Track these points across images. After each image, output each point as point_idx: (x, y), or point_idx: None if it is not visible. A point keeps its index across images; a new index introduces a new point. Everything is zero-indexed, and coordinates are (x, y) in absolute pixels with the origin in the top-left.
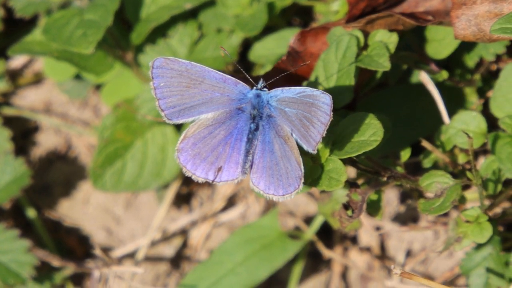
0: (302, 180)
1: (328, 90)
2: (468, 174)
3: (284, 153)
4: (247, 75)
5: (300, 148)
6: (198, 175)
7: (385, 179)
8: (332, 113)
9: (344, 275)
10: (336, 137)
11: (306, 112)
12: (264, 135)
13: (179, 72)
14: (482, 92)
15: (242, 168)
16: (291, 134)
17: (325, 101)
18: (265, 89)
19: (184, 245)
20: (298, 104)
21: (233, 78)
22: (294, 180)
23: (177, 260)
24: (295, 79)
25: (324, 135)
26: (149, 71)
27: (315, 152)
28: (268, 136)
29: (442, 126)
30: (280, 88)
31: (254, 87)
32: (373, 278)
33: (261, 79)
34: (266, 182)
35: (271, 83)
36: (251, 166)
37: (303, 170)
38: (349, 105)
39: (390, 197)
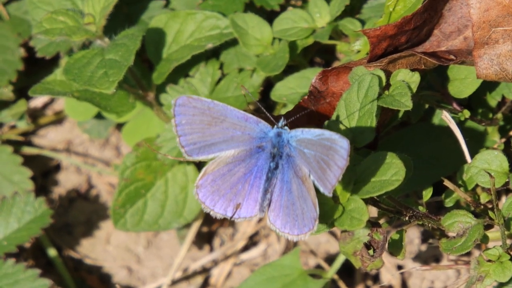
0: (317, 222)
1: (350, 130)
2: (490, 213)
3: (301, 193)
4: (268, 114)
5: (317, 189)
6: (217, 211)
7: (407, 218)
8: (348, 158)
9: None
10: (357, 177)
11: (323, 154)
12: (283, 174)
13: (201, 110)
14: (504, 131)
15: (260, 206)
16: (309, 175)
17: (343, 145)
18: (286, 128)
19: (205, 283)
20: (317, 146)
21: (255, 117)
22: (309, 221)
23: None
24: (317, 119)
25: (340, 179)
26: (171, 109)
27: (330, 195)
28: (286, 176)
29: (464, 165)
30: (300, 129)
31: (275, 126)
32: None
33: (282, 117)
34: (283, 221)
35: (292, 122)
36: (269, 204)
37: (318, 212)
38: (371, 144)
39: (412, 236)
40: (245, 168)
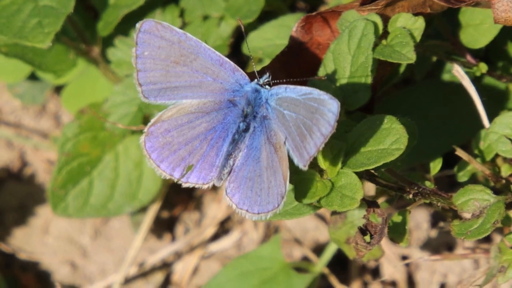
0: (284, 200)
1: (340, 88)
2: None
3: (271, 163)
4: (254, 66)
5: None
6: (163, 169)
7: (411, 196)
8: (336, 124)
9: None
10: (349, 146)
11: (306, 118)
12: (253, 138)
13: (169, 42)
14: None
15: (219, 173)
16: (284, 143)
17: (332, 108)
18: (267, 86)
19: (167, 281)
20: (300, 108)
21: (232, 63)
22: (274, 198)
23: None
24: (299, 76)
25: (320, 149)
26: (134, 34)
27: (305, 168)
28: (257, 141)
29: (480, 131)
30: (284, 86)
31: (255, 80)
32: None
33: (267, 73)
34: (242, 195)
35: (269, 81)
36: (229, 173)
37: (287, 188)
38: (366, 106)
39: (419, 219)
40: (208, 123)
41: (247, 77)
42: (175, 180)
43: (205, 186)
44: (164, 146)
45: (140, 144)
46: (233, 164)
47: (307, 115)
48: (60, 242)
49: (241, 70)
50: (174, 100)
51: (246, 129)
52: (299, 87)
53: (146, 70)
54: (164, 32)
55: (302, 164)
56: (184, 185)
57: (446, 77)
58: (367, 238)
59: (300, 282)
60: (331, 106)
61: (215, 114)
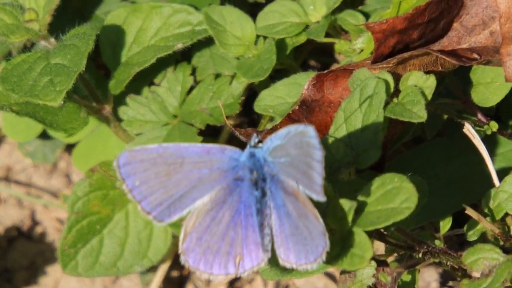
0: (327, 236)
1: (350, 147)
2: None
3: (300, 211)
4: (238, 133)
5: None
6: (217, 273)
7: (420, 255)
8: (320, 145)
9: None
10: (359, 204)
11: (299, 155)
12: (274, 198)
13: (151, 162)
14: None
15: (263, 246)
16: (298, 187)
17: (310, 133)
18: (260, 145)
19: None
20: (289, 150)
21: (217, 145)
22: (319, 239)
23: None
24: None
25: (324, 175)
26: (116, 173)
27: (324, 199)
28: (278, 199)
29: (490, 190)
30: (269, 137)
31: (248, 146)
32: None
33: (254, 133)
34: (295, 252)
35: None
36: (271, 240)
37: (323, 224)
38: (376, 165)
39: (428, 278)
40: (230, 210)
41: (237, 149)
42: (235, 276)
43: (262, 264)
44: (205, 253)
45: (184, 264)
46: (271, 231)
47: (298, 152)
48: None
49: (228, 146)
50: (187, 208)
51: (264, 195)
52: (279, 132)
53: (146, 197)
54: (141, 155)
55: (321, 197)
56: (245, 275)
57: (456, 135)
58: None
59: None
60: (309, 132)
61: (230, 198)
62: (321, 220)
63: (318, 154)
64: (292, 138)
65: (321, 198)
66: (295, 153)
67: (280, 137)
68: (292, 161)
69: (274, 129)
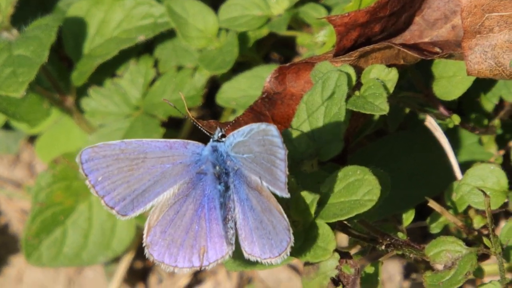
0: (291, 231)
1: (313, 139)
2: (485, 240)
3: (264, 205)
4: (200, 126)
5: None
6: (181, 266)
7: (383, 247)
8: (283, 144)
9: None
10: (322, 197)
11: (262, 153)
12: (237, 192)
13: (113, 157)
14: (502, 141)
15: (226, 239)
16: (261, 182)
17: (273, 132)
18: (223, 139)
19: None
20: (252, 146)
21: (179, 140)
22: (283, 234)
23: None
24: None
25: (287, 172)
26: (79, 169)
27: (288, 195)
28: (242, 193)
29: (453, 183)
30: (231, 133)
31: (211, 139)
32: None
33: (218, 127)
34: (259, 245)
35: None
36: (235, 234)
37: (287, 220)
38: (339, 157)
39: (391, 270)
40: (194, 203)
41: (200, 144)
42: (200, 269)
43: (226, 257)
44: (169, 247)
45: (148, 258)
46: (236, 224)
47: (260, 149)
48: None
49: (191, 141)
50: (151, 203)
51: (227, 188)
52: (241, 129)
53: (109, 192)
54: (104, 151)
55: (284, 193)
56: (209, 268)
57: (418, 128)
58: None
59: None
60: (271, 131)
61: (193, 192)
62: (285, 215)
63: (281, 152)
64: (255, 135)
65: (285, 194)
66: (258, 150)
67: (242, 134)
68: (255, 158)
69: (236, 121)
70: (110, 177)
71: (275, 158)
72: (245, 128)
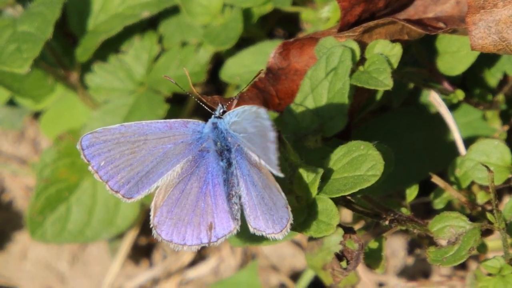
0: (289, 209)
1: (317, 115)
2: (489, 216)
3: (264, 182)
4: (203, 99)
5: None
6: (190, 244)
7: (387, 223)
8: (274, 127)
9: None
10: (326, 172)
11: (255, 134)
12: (240, 168)
13: (114, 141)
14: (506, 117)
15: (232, 215)
16: (260, 161)
17: (263, 115)
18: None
19: None
20: (246, 127)
21: (179, 120)
22: (283, 211)
23: None
24: (277, 102)
25: (278, 154)
26: (80, 156)
27: (282, 175)
28: (244, 169)
29: (457, 159)
30: (228, 112)
31: (212, 116)
32: None
33: (220, 104)
34: (264, 220)
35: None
36: (239, 210)
37: (285, 198)
38: (343, 132)
39: (395, 246)
40: (198, 181)
41: (200, 122)
42: (210, 245)
43: (234, 232)
44: (177, 226)
45: (156, 238)
46: (240, 199)
47: (254, 130)
48: (38, 268)
49: (191, 120)
50: (155, 184)
51: (229, 165)
52: (236, 109)
53: (113, 176)
54: (104, 136)
55: (278, 173)
56: (217, 244)
57: (423, 104)
58: (344, 264)
59: None
60: (261, 114)
61: (197, 170)
62: (282, 193)
63: (271, 135)
64: (247, 116)
65: (279, 174)
66: (251, 131)
67: (236, 115)
68: (250, 138)
69: (241, 97)
70: (112, 161)
71: (266, 140)
72: (238, 109)
